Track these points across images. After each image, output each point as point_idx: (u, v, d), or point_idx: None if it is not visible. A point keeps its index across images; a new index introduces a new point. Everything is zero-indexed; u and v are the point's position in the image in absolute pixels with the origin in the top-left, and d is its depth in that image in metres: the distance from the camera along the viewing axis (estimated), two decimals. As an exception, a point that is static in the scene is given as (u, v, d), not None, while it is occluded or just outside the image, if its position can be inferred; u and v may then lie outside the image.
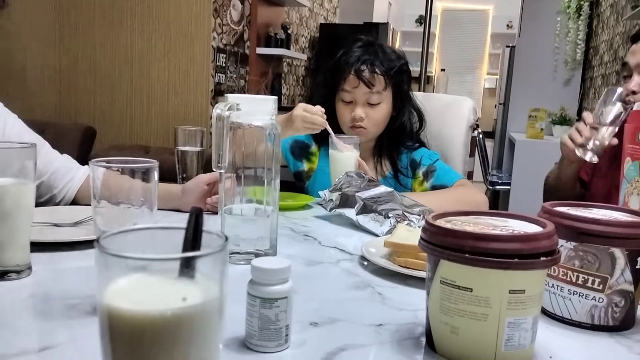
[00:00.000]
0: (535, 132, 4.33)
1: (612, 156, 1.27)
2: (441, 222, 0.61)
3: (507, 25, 8.21)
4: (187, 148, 1.32)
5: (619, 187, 0.87)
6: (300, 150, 1.57)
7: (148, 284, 0.34)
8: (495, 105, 6.03)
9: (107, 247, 0.33)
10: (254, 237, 0.90)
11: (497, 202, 5.26)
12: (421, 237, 0.61)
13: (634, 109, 0.86)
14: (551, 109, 4.56)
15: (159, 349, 0.32)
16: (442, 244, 0.57)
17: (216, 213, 1.13)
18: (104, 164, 0.65)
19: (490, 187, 4.43)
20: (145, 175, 0.65)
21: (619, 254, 0.65)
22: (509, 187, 4.27)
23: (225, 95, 0.88)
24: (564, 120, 4.56)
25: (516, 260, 0.54)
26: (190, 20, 3.62)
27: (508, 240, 0.54)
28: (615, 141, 1.23)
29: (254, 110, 0.88)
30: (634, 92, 1.36)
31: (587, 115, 1.29)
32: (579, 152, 1.26)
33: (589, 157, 1.25)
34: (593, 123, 1.26)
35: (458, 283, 0.56)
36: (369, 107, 1.44)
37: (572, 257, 0.67)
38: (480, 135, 3.99)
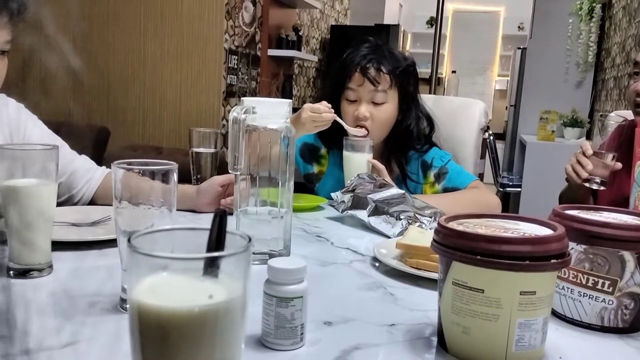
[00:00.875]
0: (546, 134, 4.31)
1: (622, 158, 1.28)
2: (453, 225, 0.62)
3: (519, 27, 8.18)
4: (201, 149, 1.34)
5: (625, 195, 0.88)
6: (310, 153, 1.58)
7: (175, 282, 0.36)
8: (506, 107, 6.02)
9: (137, 247, 0.35)
10: (268, 238, 0.92)
11: (508, 204, 5.25)
12: (434, 239, 0.62)
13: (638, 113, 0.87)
14: (562, 111, 4.54)
15: (186, 344, 0.34)
16: (455, 245, 0.58)
17: (231, 214, 1.15)
18: (126, 165, 0.67)
19: (501, 189, 4.42)
20: (164, 177, 0.67)
21: (629, 256, 0.66)
22: (519, 189, 4.25)
23: (242, 98, 0.90)
24: (575, 123, 4.55)
25: (527, 262, 0.55)
26: (203, 22, 3.65)
27: (519, 243, 0.56)
28: (619, 165, 1.25)
29: (269, 113, 0.90)
30: None
31: (586, 147, 1.30)
32: (586, 184, 1.29)
33: (597, 187, 1.29)
34: (593, 156, 1.27)
35: (470, 284, 0.57)
36: (373, 106, 1.42)
37: (582, 260, 0.68)
38: (491, 137, 3.98)
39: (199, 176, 1.36)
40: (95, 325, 0.64)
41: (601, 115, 1.28)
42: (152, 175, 0.67)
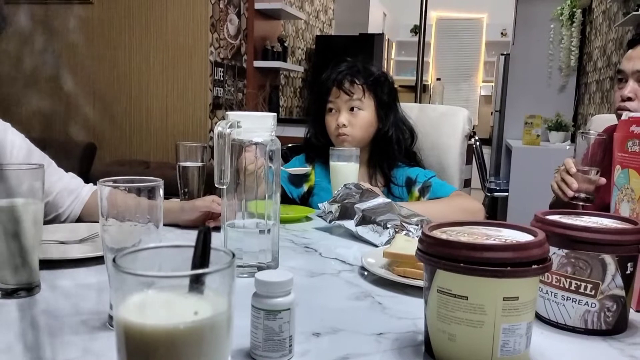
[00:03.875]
0: (531, 138, 4.36)
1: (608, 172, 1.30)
2: (437, 233, 0.63)
3: (502, 33, 8.28)
4: (188, 163, 1.35)
5: (607, 202, 0.90)
6: (299, 177, 1.63)
7: (160, 299, 0.36)
8: (492, 113, 6.08)
9: (122, 266, 0.35)
10: (256, 251, 0.92)
11: (496, 209, 5.29)
12: (418, 247, 0.63)
13: (622, 118, 0.89)
14: (547, 116, 4.60)
15: (173, 360, 0.34)
16: (438, 254, 0.59)
17: (218, 231, 1.16)
18: (111, 183, 0.68)
19: (489, 194, 4.46)
20: (150, 193, 0.68)
21: (610, 260, 0.68)
22: (507, 194, 4.30)
23: (227, 113, 0.90)
24: (559, 127, 4.60)
25: (509, 268, 0.56)
26: (188, 35, 3.67)
27: (501, 250, 0.57)
28: (603, 180, 1.27)
29: (254, 127, 0.90)
30: (629, 99, 1.39)
31: (570, 164, 1.32)
32: (573, 201, 1.31)
33: (583, 203, 1.31)
34: (577, 173, 1.30)
35: (454, 292, 0.58)
36: (351, 114, 1.53)
37: (564, 264, 0.70)
38: (478, 143, 4.03)
39: (186, 190, 1.36)
40: (85, 343, 0.64)
41: (582, 133, 1.30)
42: (138, 192, 0.67)
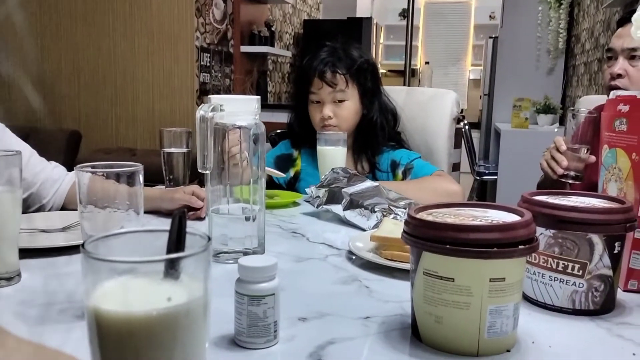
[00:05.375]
0: (520, 121, 4.36)
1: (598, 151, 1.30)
2: (423, 215, 0.62)
3: (490, 16, 8.25)
4: (172, 150, 1.32)
5: (595, 181, 0.89)
6: (285, 162, 1.62)
7: (133, 286, 0.35)
8: (480, 96, 6.07)
9: (92, 252, 0.34)
10: (242, 236, 0.91)
11: (485, 192, 5.31)
12: (404, 230, 0.62)
13: (609, 97, 0.88)
14: (535, 98, 4.60)
15: (146, 349, 0.33)
16: (424, 236, 0.58)
17: (202, 219, 1.14)
18: (89, 169, 0.66)
19: (478, 178, 4.47)
20: (130, 179, 0.66)
21: (597, 239, 0.67)
22: (496, 177, 4.31)
23: (209, 96, 0.88)
24: (548, 109, 4.61)
25: (495, 249, 0.55)
26: (173, 20, 3.61)
27: (487, 231, 0.56)
28: (593, 158, 1.27)
29: (238, 110, 0.89)
30: (619, 75, 1.38)
31: (560, 142, 1.31)
32: (562, 179, 1.31)
33: (572, 181, 1.30)
34: (567, 151, 1.29)
35: (440, 274, 0.57)
36: (335, 105, 1.50)
37: (551, 245, 0.69)
38: (467, 127, 4.02)
39: (171, 177, 1.34)
40: (66, 332, 0.63)
41: (572, 110, 1.30)
42: (117, 177, 0.66)
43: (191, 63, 3.63)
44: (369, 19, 5.80)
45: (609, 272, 0.68)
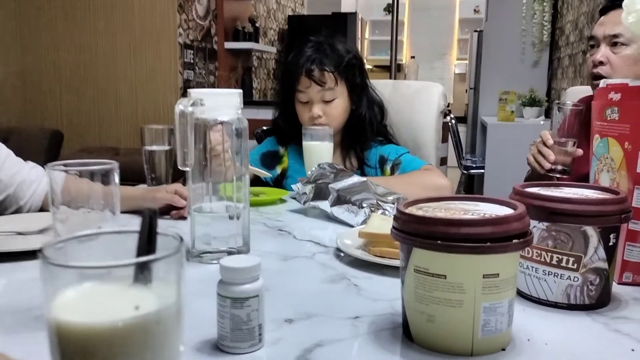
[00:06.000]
0: (506, 115, 4.36)
1: (584, 142, 1.29)
2: (412, 210, 0.60)
3: (475, 10, 8.25)
4: (154, 147, 1.29)
5: (583, 172, 0.88)
6: (271, 159, 1.59)
7: (99, 293, 0.32)
8: (466, 90, 6.08)
9: (50, 257, 0.31)
10: (226, 235, 0.88)
11: (473, 186, 5.31)
12: (393, 225, 0.60)
13: (600, 86, 0.86)
14: (521, 91, 4.60)
15: (115, 361, 0.30)
16: (414, 231, 0.56)
17: (185, 218, 1.11)
18: (62, 167, 0.63)
19: (465, 172, 4.47)
20: (105, 178, 0.63)
21: (592, 231, 0.65)
22: (483, 171, 4.31)
23: (188, 90, 0.85)
24: (533, 102, 4.61)
25: (488, 244, 0.53)
26: (155, 16, 3.56)
27: (479, 225, 0.53)
28: (580, 152, 1.26)
29: (219, 105, 0.86)
30: (601, 63, 1.37)
31: (546, 136, 1.29)
32: (550, 174, 1.29)
33: (560, 175, 1.29)
34: (553, 145, 1.27)
35: (431, 270, 0.55)
36: (325, 104, 1.45)
37: (545, 238, 0.67)
38: (453, 121, 4.01)
39: (153, 175, 1.30)
40: (40, 339, 0.60)
41: (558, 103, 1.28)
42: (91, 176, 0.62)
43: (174, 60, 3.58)
44: (354, 14, 5.77)
45: (604, 265, 0.66)
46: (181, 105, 0.81)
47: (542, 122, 4.36)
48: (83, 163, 0.64)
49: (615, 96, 0.80)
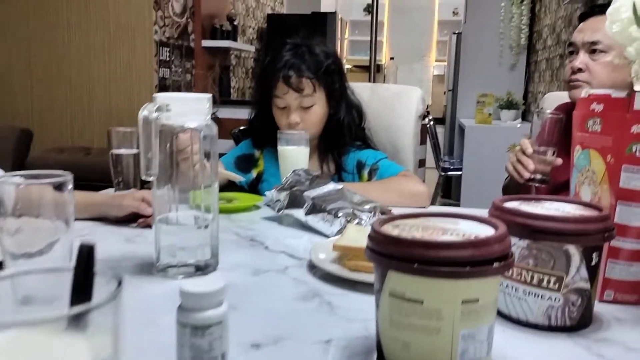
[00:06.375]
0: (483, 117, 4.38)
1: (562, 150, 1.27)
2: (388, 228, 0.56)
3: (453, 12, 8.29)
4: (122, 151, 1.23)
5: (561, 181, 0.85)
6: (246, 163, 1.54)
7: (22, 344, 0.27)
8: (445, 92, 6.09)
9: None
10: (194, 245, 0.83)
11: (450, 188, 5.33)
12: (367, 245, 0.56)
13: (582, 95, 0.84)
14: (498, 94, 4.63)
15: None
16: (389, 253, 0.52)
17: (151, 227, 1.06)
18: (9, 178, 0.58)
19: (443, 174, 4.47)
20: (58, 189, 0.58)
21: (574, 250, 0.62)
22: (460, 173, 4.31)
23: (154, 95, 0.80)
24: (511, 105, 4.64)
25: (468, 268, 0.50)
26: (130, 13, 3.47)
27: (458, 247, 0.50)
28: (559, 161, 1.24)
29: (187, 110, 0.81)
30: (580, 70, 1.36)
31: (526, 145, 1.28)
32: (529, 183, 1.27)
33: (539, 184, 1.27)
34: (533, 154, 1.26)
35: (408, 295, 0.51)
36: (303, 110, 1.41)
37: (526, 256, 0.64)
38: (431, 123, 4.01)
39: (120, 179, 1.25)
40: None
41: (537, 112, 1.26)
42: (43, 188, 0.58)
43: (150, 58, 3.51)
44: (334, 14, 5.74)
45: (587, 285, 0.64)
46: (145, 111, 0.76)
47: (519, 125, 4.39)
48: (35, 175, 0.59)
49: (598, 107, 0.77)
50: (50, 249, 0.61)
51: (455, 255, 0.50)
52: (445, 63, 6.79)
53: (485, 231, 0.55)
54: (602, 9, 1.39)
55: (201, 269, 0.83)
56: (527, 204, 0.69)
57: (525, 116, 4.97)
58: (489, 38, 5.02)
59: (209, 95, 0.83)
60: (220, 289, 0.52)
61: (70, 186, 0.60)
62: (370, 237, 0.56)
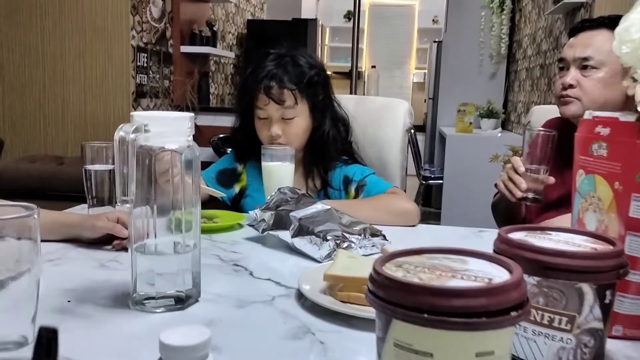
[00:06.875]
0: (464, 126, 4.38)
1: (553, 167, 1.24)
2: (391, 268, 0.51)
3: (433, 20, 8.33)
4: (96, 167, 1.17)
5: (570, 193, 0.81)
6: (228, 178, 1.49)
7: None
8: (425, 100, 6.09)
9: None
10: (173, 273, 0.77)
11: (431, 196, 5.32)
12: (368, 288, 0.51)
13: (585, 117, 0.80)
14: (479, 103, 4.64)
15: None
16: (395, 300, 0.47)
17: (127, 250, 0.99)
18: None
19: (424, 182, 4.46)
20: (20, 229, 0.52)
21: (587, 288, 0.58)
22: (441, 182, 4.30)
23: (131, 114, 0.74)
24: (491, 114, 4.65)
25: (484, 319, 0.45)
26: (107, 18, 3.38)
27: (473, 296, 0.45)
28: (552, 180, 1.21)
29: (166, 131, 0.75)
30: (571, 86, 1.33)
31: (517, 163, 1.24)
32: (521, 201, 1.25)
33: (531, 203, 1.25)
34: (525, 172, 1.23)
35: (416, 347, 0.46)
36: (284, 122, 1.36)
37: (535, 294, 0.60)
38: (413, 131, 3.99)
39: (94, 195, 1.18)
40: None
41: (529, 129, 1.23)
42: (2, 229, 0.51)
43: (127, 63, 3.41)
44: (314, 21, 5.70)
45: (600, 325, 0.59)
46: (122, 132, 0.70)
47: (499, 135, 4.40)
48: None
49: (604, 130, 0.74)
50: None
51: (469, 305, 0.45)
52: (425, 70, 6.81)
53: (498, 273, 0.50)
54: (592, 25, 1.37)
55: (182, 301, 0.77)
56: (533, 235, 0.65)
57: (505, 125, 4.99)
58: (469, 47, 5.04)
59: (190, 115, 0.77)
60: (205, 342, 0.46)
61: (36, 216, 0.53)
62: (371, 279, 0.51)
